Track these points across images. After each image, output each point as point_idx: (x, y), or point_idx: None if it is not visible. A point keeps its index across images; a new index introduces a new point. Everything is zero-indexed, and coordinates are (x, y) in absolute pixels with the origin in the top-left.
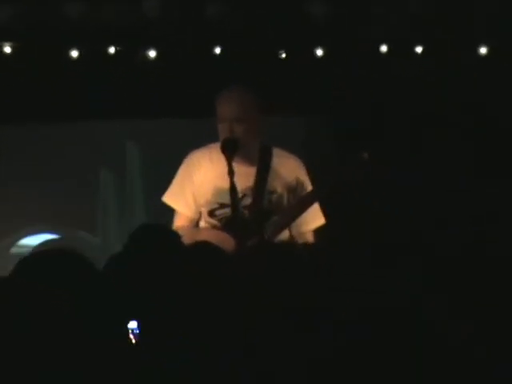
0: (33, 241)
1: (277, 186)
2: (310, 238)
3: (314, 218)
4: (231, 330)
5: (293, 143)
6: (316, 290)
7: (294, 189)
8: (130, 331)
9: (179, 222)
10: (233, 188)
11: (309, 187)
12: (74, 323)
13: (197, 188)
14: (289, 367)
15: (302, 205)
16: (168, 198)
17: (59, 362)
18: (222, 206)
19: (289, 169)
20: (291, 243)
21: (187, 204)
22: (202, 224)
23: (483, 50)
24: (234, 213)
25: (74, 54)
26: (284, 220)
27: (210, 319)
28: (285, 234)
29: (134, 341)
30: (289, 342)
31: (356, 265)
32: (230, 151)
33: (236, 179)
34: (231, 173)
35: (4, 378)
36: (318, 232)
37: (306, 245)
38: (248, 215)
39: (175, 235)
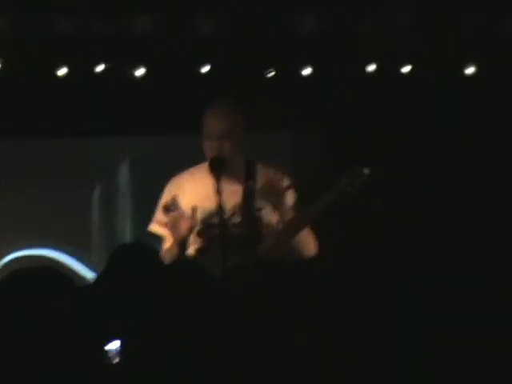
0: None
1: (264, 202)
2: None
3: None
4: (213, 347)
5: (281, 158)
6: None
7: (283, 203)
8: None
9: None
10: (220, 207)
11: (294, 199)
12: (52, 341)
13: (184, 211)
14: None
15: (299, 223)
16: (155, 226)
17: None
18: (210, 226)
19: (275, 183)
20: (282, 262)
21: None
22: (189, 244)
23: (470, 70)
24: (222, 232)
25: (63, 71)
26: (280, 238)
27: (191, 337)
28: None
29: (114, 361)
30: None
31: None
32: (218, 170)
33: (223, 198)
34: (219, 192)
35: None
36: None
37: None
38: (238, 233)
39: (154, 254)
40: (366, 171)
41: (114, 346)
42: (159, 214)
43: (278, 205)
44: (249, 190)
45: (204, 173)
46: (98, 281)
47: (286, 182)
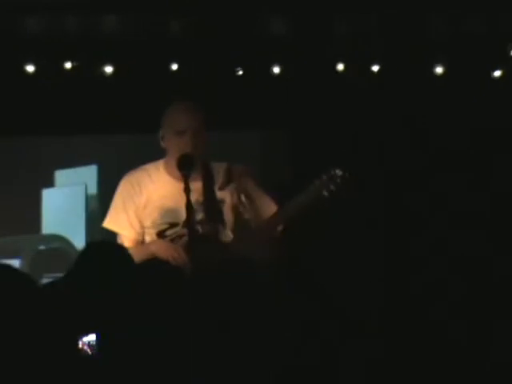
0: None
1: (224, 195)
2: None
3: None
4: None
5: (250, 157)
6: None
7: (247, 195)
8: (87, 343)
9: (126, 244)
10: (189, 206)
11: (256, 188)
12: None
13: (140, 209)
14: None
15: (272, 223)
16: (109, 223)
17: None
18: (172, 225)
19: (229, 173)
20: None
21: (131, 225)
22: None
23: (439, 70)
24: (191, 231)
25: (30, 68)
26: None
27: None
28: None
29: (89, 352)
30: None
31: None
32: (188, 168)
33: (182, 198)
34: (188, 190)
35: None
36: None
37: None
38: (203, 230)
39: (125, 252)
40: (340, 173)
41: (89, 338)
42: (115, 210)
43: (239, 196)
44: (209, 187)
45: (161, 171)
46: (68, 278)
47: (244, 174)
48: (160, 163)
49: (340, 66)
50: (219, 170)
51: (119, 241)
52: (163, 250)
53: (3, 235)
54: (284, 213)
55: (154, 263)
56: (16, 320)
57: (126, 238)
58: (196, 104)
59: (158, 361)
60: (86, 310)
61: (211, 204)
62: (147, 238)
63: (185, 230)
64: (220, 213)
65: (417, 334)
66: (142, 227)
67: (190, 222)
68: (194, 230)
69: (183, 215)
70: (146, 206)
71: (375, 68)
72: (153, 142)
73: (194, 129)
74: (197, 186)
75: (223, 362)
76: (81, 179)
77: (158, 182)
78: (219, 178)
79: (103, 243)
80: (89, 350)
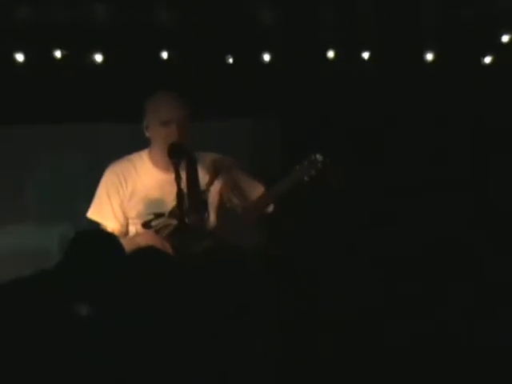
0: None
1: (207, 184)
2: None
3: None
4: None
5: (240, 145)
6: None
7: (236, 185)
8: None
9: None
10: (180, 194)
11: (243, 176)
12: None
13: (126, 200)
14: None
15: (257, 206)
16: (93, 214)
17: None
18: (158, 215)
19: (215, 166)
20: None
21: (115, 217)
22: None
23: (429, 56)
24: (182, 220)
25: (20, 57)
26: (235, 225)
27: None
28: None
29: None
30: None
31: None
32: (178, 156)
33: (166, 188)
34: (178, 178)
35: None
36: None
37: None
38: (188, 220)
39: (116, 240)
40: (320, 158)
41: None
42: (99, 200)
43: (223, 185)
44: (192, 177)
45: (146, 161)
46: (59, 266)
47: (226, 162)
48: (145, 153)
49: (330, 53)
50: (205, 159)
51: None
52: (148, 242)
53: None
54: (268, 196)
55: (145, 252)
56: None
57: (110, 229)
58: (180, 94)
59: (146, 349)
60: (76, 296)
61: (196, 194)
62: (132, 229)
63: (170, 220)
64: (205, 203)
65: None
66: (126, 218)
67: (181, 210)
68: (183, 219)
69: (168, 205)
70: (131, 197)
71: (366, 55)
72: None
73: (179, 119)
74: (182, 176)
75: (212, 350)
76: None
77: (142, 173)
78: (205, 169)
79: (93, 231)
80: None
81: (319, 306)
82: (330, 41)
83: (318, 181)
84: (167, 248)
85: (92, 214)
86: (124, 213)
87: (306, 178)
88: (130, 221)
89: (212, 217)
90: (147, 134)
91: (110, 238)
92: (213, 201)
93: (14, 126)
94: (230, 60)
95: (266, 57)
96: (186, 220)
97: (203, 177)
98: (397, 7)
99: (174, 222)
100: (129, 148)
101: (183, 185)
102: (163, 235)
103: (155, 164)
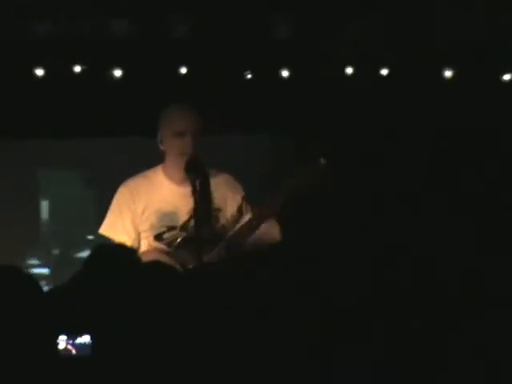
0: None
1: (221, 203)
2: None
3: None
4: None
5: (259, 161)
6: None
7: (236, 201)
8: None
9: None
10: (197, 208)
11: (242, 194)
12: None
13: (138, 215)
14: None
15: (261, 216)
16: (105, 230)
17: None
18: (170, 228)
19: (226, 185)
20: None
21: (127, 233)
22: (144, 249)
23: (448, 73)
24: (196, 231)
25: (40, 72)
26: (243, 234)
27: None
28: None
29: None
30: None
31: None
32: (196, 172)
33: (180, 201)
34: (195, 192)
35: None
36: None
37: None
38: (202, 233)
39: (134, 254)
40: (323, 161)
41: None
42: (112, 217)
43: (232, 206)
44: (205, 193)
45: (160, 175)
46: (76, 280)
47: (236, 183)
48: (159, 168)
49: (349, 70)
50: (217, 177)
51: None
52: (155, 258)
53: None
54: (270, 206)
55: (157, 265)
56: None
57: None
58: (193, 106)
59: (158, 363)
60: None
61: (209, 208)
62: (144, 242)
63: (182, 233)
64: (216, 220)
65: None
66: (138, 234)
67: (196, 222)
68: (199, 232)
69: (181, 218)
70: (144, 211)
71: (384, 72)
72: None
73: (194, 130)
74: (190, 191)
75: (226, 362)
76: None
77: (156, 187)
78: (217, 187)
79: (112, 246)
80: (73, 350)
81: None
82: (349, 57)
83: (319, 185)
84: (173, 263)
85: (104, 229)
86: (135, 228)
87: (310, 182)
88: (143, 234)
89: (222, 232)
90: (161, 148)
91: (129, 251)
92: (223, 220)
93: (32, 140)
94: (249, 76)
95: (285, 73)
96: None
97: (216, 194)
98: (415, 23)
99: (186, 235)
100: (145, 163)
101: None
102: (174, 248)
103: (169, 177)
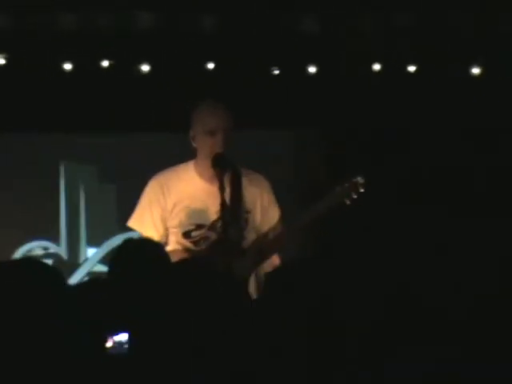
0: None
1: (251, 205)
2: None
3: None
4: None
5: (283, 157)
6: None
7: (266, 208)
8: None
9: None
10: (224, 203)
11: (276, 205)
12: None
13: (168, 211)
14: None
15: (291, 231)
16: (133, 223)
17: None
18: (199, 226)
19: (259, 188)
20: None
21: (155, 228)
22: (172, 246)
23: (476, 70)
24: (223, 231)
25: (68, 66)
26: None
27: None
28: None
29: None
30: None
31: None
32: (222, 166)
33: (210, 199)
34: (222, 188)
35: None
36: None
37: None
38: (229, 233)
39: (163, 249)
40: (361, 180)
41: (121, 337)
42: (141, 210)
43: (263, 209)
44: (237, 193)
45: (191, 171)
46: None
47: (268, 187)
48: (190, 164)
49: (376, 66)
50: (250, 178)
51: None
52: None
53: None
54: (307, 216)
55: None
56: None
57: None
58: (222, 104)
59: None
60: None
61: (238, 208)
62: (172, 238)
63: (210, 233)
64: (244, 222)
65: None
66: (166, 229)
67: (223, 221)
68: (225, 230)
69: (210, 217)
70: (173, 207)
71: (412, 68)
72: (188, 141)
73: (225, 129)
74: (227, 188)
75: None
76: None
77: (187, 183)
78: (248, 187)
79: (140, 240)
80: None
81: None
82: (377, 53)
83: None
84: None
85: (132, 222)
86: (164, 223)
87: (347, 201)
88: (171, 230)
89: (251, 236)
90: (193, 144)
91: (157, 246)
92: (252, 223)
93: (60, 134)
94: (276, 71)
95: (312, 69)
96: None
97: (247, 195)
98: (443, 20)
99: (213, 235)
100: (173, 157)
101: (227, 197)
102: (202, 247)
103: (200, 174)
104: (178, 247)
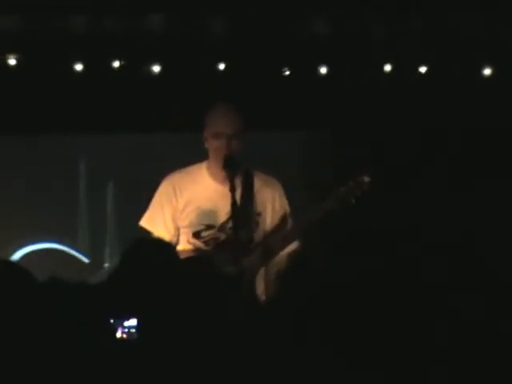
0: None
1: (262, 208)
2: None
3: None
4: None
5: (293, 158)
6: None
7: (277, 212)
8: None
9: None
10: (235, 204)
11: (287, 208)
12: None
13: (179, 211)
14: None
15: (298, 229)
16: (145, 222)
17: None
18: (208, 227)
19: (272, 192)
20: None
21: (167, 228)
22: (183, 246)
23: (487, 71)
24: (233, 232)
25: (79, 67)
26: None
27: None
28: None
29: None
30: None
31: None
32: (232, 168)
33: (221, 200)
34: (233, 189)
35: None
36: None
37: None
38: (238, 235)
39: (173, 248)
40: (367, 179)
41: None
42: (153, 210)
43: (274, 211)
44: (248, 195)
45: (203, 172)
46: (115, 274)
47: (280, 190)
48: (203, 165)
49: (387, 67)
50: (262, 180)
51: None
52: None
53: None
54: (308, 219)
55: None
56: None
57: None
58: (236, 106)
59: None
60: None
61: (249, 210)
62: (183, 238)
63: (220, 234)
64: (255, 224)
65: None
66: (177, 229)
67: (234, 222)
68: (235, 231)
69: (220, 218)
70: (185, 207)
71: (423, 69)
72: (198, 142)
73: (230, 132)
74: (238, 189)
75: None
76: None
77: (199, 183)
78: (260, 190)
79: (151, 239)
80: (125, 336)
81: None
82: (387, 54)
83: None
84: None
85: (144, 222)
86: (175, 223)
87: (352, 200)
88: (182, 230)
89: (260, 238)
90: (206, 146)
91: (168, 246)
92: (262, 225)
93: (70, 135)
94: (287, 72)
95: (323, 69)
96: (232, 235)
97: (259, 197)
98: (453, 21)
99: (223, 236)
100: (184, 158)
101: (238, 198)
102: (211, 247)
103: (212, 175)
104: (189, 247)
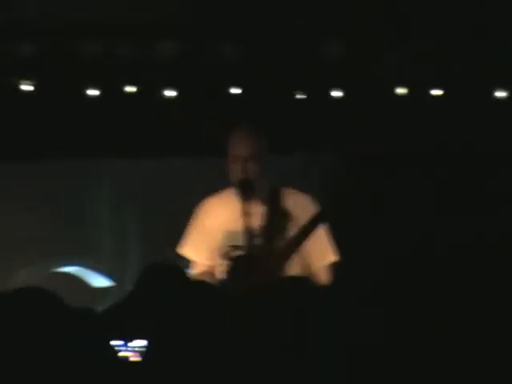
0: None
1: (291, 226)
2: (323, 273)
3: (325, 255)
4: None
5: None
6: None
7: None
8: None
9: (197, 270)
10: (247, 228)
11: (320, 228)
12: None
13: (211, 235)
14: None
15: (301, 235)
16: (182, 249)
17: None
18: (235, 248)
19: (302, 208)
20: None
21: (204, 254)
22: (215, 268)
23: (501, 94)
24: (247, 251)
25: (93, 92)
26: (287, 250)
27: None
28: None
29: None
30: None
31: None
32: (247, 192)
33: (251, 220)
34: (247, 213)
35: None
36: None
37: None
38: (261, 254)
39: (184, 275)
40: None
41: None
42: (191, 237)
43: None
44: (273, 214)
45: (232, 196)
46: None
47: (313, 206)
48: (232, 188)
49: (400, 90)
50: (294, 200)
51: (191, 267)
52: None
53: None
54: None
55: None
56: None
57: (200, 265)
58: (256, 130)
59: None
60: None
61: (271, 232)
62: (215, 262)
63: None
64: (278, 241)
65: None
66: (213, 253)
67: (248, 244)
68: (250, 252)
69: (245, 239)
70: (214, 230)
71: (436, 92)
72: (215, 166)
73: (245, 155)
74: (259, 210)
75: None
76: None
77: (229, 206)
78: (292, 209)
79: (162, 264)
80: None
81: None
82: (400, 77)
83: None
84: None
85: (181, 249)
86: (210, 248)
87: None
88: (214, 253)
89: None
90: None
91: (181, 272)
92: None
93: (84, 160)
94: (300, 96)
95: (336, 93)
96: (258, 254)
97: (288, 217)
98: (466, 44)
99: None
100: (199, 183)
101: (258, 219)
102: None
103: (238, 198)
104: (220, 268)
